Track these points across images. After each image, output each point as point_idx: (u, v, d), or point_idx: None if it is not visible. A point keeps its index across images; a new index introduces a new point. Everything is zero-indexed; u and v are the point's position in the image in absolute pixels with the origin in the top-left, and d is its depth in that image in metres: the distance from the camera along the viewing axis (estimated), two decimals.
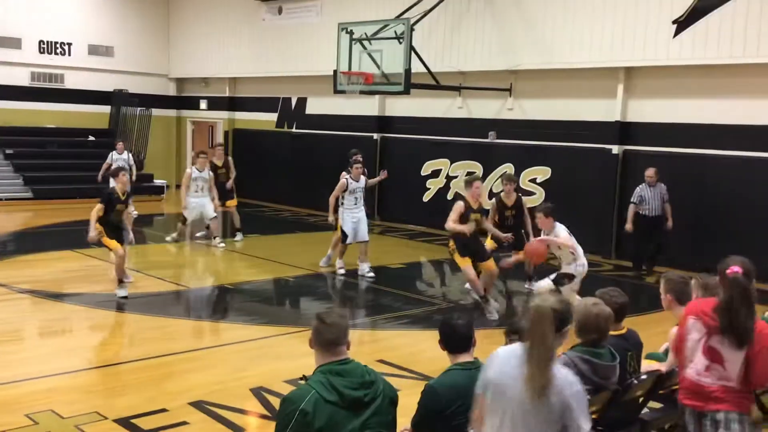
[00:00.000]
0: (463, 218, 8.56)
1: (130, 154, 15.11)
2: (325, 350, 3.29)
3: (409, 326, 8.50)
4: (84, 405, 5.68)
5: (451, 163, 15.37)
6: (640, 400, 4.52)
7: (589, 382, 3.95)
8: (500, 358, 3.14)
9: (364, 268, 10.71)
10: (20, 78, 19.38)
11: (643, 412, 4.64)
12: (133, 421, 5.30)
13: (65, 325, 8.19)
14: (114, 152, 14.79)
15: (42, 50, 19.69)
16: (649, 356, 5.22)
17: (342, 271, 10.73)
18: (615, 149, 12.99)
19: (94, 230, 8.73)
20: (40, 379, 6.23)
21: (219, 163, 13.39)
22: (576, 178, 13.45)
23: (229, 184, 13.38)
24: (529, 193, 14.12)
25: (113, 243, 8.90)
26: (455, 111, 15.30)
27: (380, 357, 6.86)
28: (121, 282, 8.95)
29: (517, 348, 3.10)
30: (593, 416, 3.97)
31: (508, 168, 14.42)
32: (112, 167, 14.18)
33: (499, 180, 10.23)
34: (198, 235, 13.43)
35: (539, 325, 2.98)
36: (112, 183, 10.37)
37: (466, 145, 15.13)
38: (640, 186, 11.52)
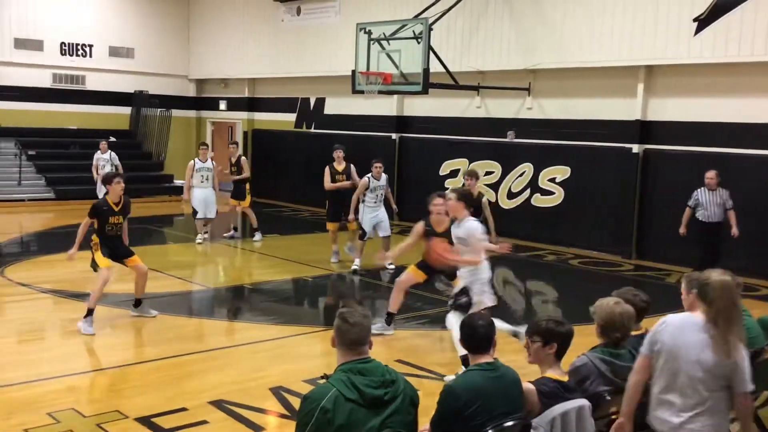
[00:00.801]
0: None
1: (114, 154, 15.27)
2: (347, 349, 3.30)
3: (428, 326, 8.48)
4: (105, 404, 5.73)
5: (469, 163, 15.33)
6: None
7: (609, 383, 3.93)
8: (673, 326, 3.64)
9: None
10: (42, 80, 19.60)
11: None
12: (153, 420, 5.34)
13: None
14: (98, 152, 15.08)
15: (63, 52, 19.90)
16: None
17: (356, 267, 10.83)
18: (635, 148, 12.89)
19: (75, 248, 7.78)
20: (62, 378, 6.29)
21: (233, 160, 13.57)
22: (595, 177, 13.37)
23: (232, 177, 13.44)
24: (549, 193, 14.08)
25: (104, 261, 7.76)
26: (474, 110, 15.26)
27: (399, 357, 6.86)
28: (138, 303, 8.16)
29: (690, 317, 3.67)
30: (613, 417, 3.95)
31: (528, 167, 14.38)
32: (99, 169, 14.52)
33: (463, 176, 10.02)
34: (225, 235, 13.53)
35: (727, 294, 3.50)
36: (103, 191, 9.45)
37: (485, 145, 15.09)
38: (699, 189, 10.65)
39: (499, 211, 14.86)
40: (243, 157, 13.74)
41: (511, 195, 14.73)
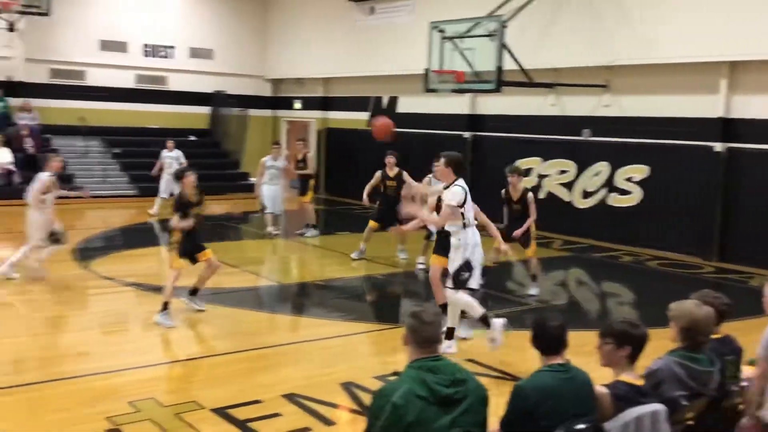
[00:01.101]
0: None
1: (180, 152, 15.65)
2: (420, 348, 3.31)
3: None
4: (183, 394, 5.92)
5: (543, 162, 15.12)
6: (739, 408, 4.33)
7: (686, 388, 3.83)
8: None
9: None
10: (126, 80, 20.36)
11: (742, 421, 4.44)
12: (228, 411, 5.48)
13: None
14: (164, 150, 15.48)
15: (147, 53, 20.62)
16: (753, 362, 4.99)
17: (422, 266, 10.86)
18: (717, 147, 12.45)
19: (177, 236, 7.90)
20: (142, 369, 6.53)
21: (299, 157, 13.81)
22: (675, 176, 12.98)
23: (296, 172, 13.61)
24: (626, 192, 13.75)
25: (179, 263, 7.92)
26: (548, 108, 15.03)
27: (470, 356, 6.83)
28: (195, 292, 8.29)
29: None
30: (689, 423, 3.84)
31: (604, 166, 14.08)
32: (165, 167, 14.95)
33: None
34: (297, 232, 13.77)
35: None
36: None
37: (559, 143, 14.85)
38: None
39: (573, 211, 14.63)
40: (309, 154, 14.01)
41: (586, 194, 14.45)
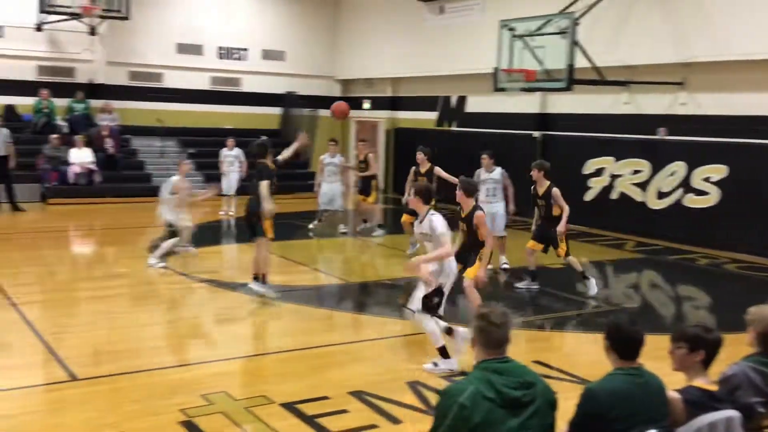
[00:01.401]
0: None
1: (240, 150, 15.87)
2: (487, 349, 3.29)
3: (568, 328, 8.30)
4: (253, 389, 6.05)
5: (615, 161, 14.80)
6: None
7: (762, 394, 3.71)
8: None
9: (501, 259, 10.90)
10: (202, 82, 20.91)
11: None
12: (297, 406, 5.57)
13: (237, 313, 8.74)
14: (225, 149, 15.72)
15: (221, 56, 21.13)
16: None
17: (506, 265, 10.85)
18: None
19: (271, 203, 8.42)
20: (215, 363, 6.70)
21: (361, 157, 13.92)
22: (755, 177, 12.50)
23: (359, 174, 13.73)
24: (703, 193, 13.33)
25: (271, 231, 8.64)
26: (621, 107, 14.70)
27: (537, 358, 6.76)
28: (262, 278, 8.78)
29: None
30: (765, 430, 3.72)
31: (679, 166, 13.69)
32: (226, 165, 15.25)
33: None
34: (358, 229, 13.92)
35: None
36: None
37: (633, 143, 14.50)
38: None
39: (647, 212, 14.26)
40: (371, 155, 14.02)
41: (660, 195, 14.07)
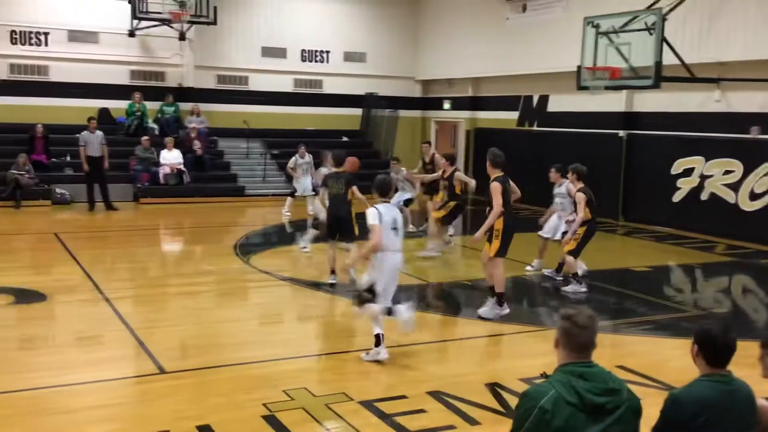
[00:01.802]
0: None
1: (311, 156, 15.93)
2: (571, 352, 3.22)
3: (653, 333, 8.07)
4: (333, 386, 6.14)
5: (706, 161, 14.28)
6: None
7: None
8: None
9: (537, 264, 10.82)
10: (285, 85, 21.35)
11: None
12: (375, 404, 5.63)
13: (319, 311, 8.89)
14: (296, 156, 15.70)
15: (304, 59, 21.52)
16: None
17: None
18: None
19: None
20: (296, 359, 6.84)
21: (426, 159, 13.93)
22: None
23: (425, 177, 13.47)
24: None
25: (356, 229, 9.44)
26: (712, 105, 14.17)
27: (621, 363, 6.60)
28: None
29: None
30: None
31: None
32: (300, 171, 15.34)
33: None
34: (421, 228, 14.02)
35: None
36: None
37: (724, 142, 13.96)
38: None
39: (739, 213, 13.71)
40: (437, 155, 13.76)
41: (753, 196, 13.49)
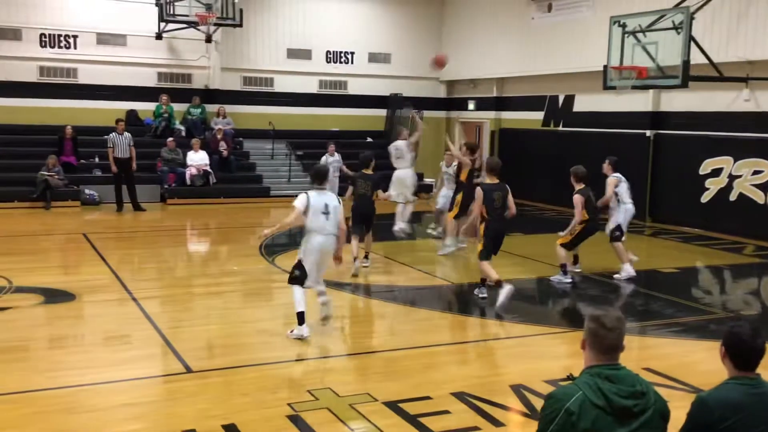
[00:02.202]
0: None
1: (340, 156, 15.97)
2: (599, 354, 3.18)
3: (681, 335, 7.99)
4: (357, 386, 6.16)
5: (734, 162, 14.09)
6: None
7: None
8: None
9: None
10: (310, 86, 21.44)
11: None
12: (399, 405, 5.63)
13: (342, 312, 8.92)
14: (326, 155, 15.73)
15: (329, 60, 21.59)
16: None
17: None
18: None
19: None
20: (320, 360, 6.88)
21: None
22: None
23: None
24: None
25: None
26: (741, 104, 13.98)
27: (647, 365, 6.54)
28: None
29: None
30: None
31: None
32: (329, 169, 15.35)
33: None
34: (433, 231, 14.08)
35: None
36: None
37: (753, 142, 13.76)
38: None
39: None
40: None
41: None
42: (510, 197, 8.95)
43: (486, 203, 8.69)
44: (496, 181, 8.88)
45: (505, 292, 8.48)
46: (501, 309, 8.46)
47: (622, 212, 10.62)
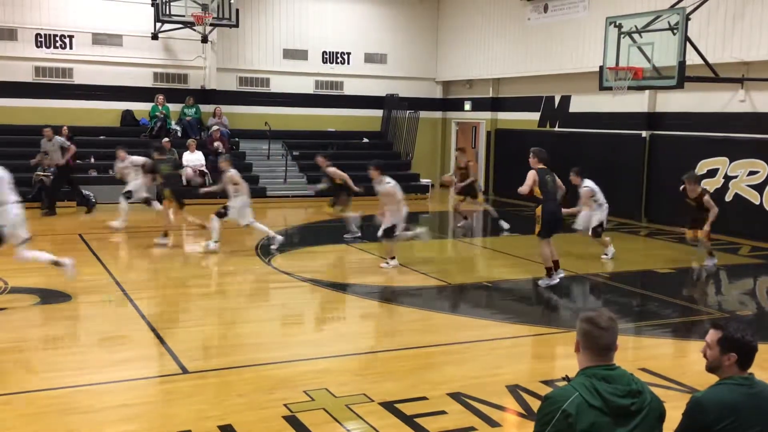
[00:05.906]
0: None
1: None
2: (593, 355, 3.20)
3: (676, 335, 8.00)
4: (353, 386, 6.15)
5: (730, 162, 14.12)
6: None
7: None
8: None
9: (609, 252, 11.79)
10: (306, 86, 21.42)
11: None
12: (396, 405, 5.63)
13: (339, 312, 8.93)
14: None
15: (325, 60, 21.57)
16: None
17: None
18: None
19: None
20: (317, 360, 6.87)
21: (461, 164, 14.52)
22: None
23: (458, 184, 14.63)
24: None
25: None
26: (736, 105, 14.02)
27: (643, 365, 6.56)
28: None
29: None
30: None
31: None
32: None
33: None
34: (459, 225, 14.63)
35: None
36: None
37: (749, 142, 13.79)
38: None
39: (764, 215, 13.54)
40: (470, 162, 14.78)
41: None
42: (558, 180, 10.01)
43: (540, 186, 9.68)
44: (545, 167, 9.80)
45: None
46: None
47: (603, 211, 11.62)
